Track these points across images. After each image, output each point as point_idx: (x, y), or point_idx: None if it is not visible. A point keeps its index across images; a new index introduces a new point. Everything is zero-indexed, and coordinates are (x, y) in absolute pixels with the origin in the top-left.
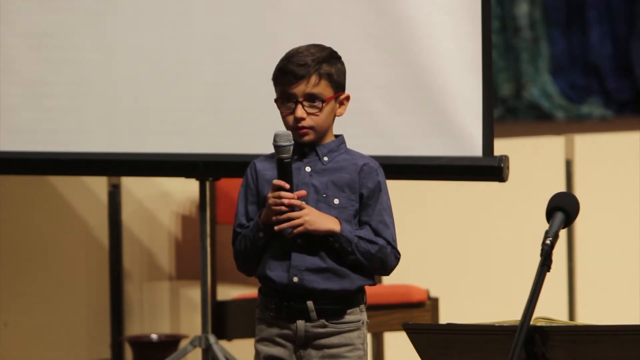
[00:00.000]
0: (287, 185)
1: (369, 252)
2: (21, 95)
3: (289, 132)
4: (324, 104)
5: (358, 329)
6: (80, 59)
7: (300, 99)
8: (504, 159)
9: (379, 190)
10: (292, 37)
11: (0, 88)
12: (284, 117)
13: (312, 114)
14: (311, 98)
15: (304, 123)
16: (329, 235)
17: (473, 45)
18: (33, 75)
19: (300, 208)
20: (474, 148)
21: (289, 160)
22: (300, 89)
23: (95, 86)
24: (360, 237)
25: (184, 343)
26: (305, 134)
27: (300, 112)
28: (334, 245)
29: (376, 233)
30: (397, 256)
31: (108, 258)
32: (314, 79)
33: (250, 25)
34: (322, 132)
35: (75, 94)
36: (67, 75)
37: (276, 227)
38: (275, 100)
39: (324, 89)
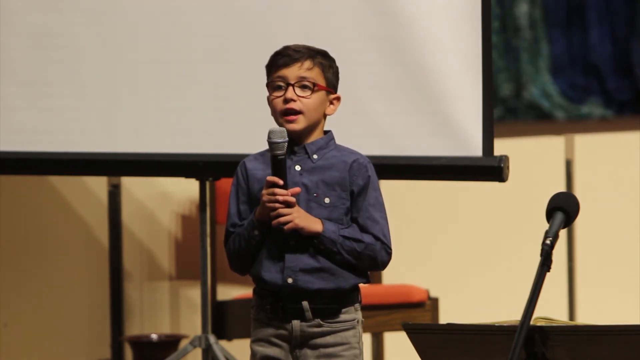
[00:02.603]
0: (281, 182)
1: (355, 251)
2: (21, 95)
3: (283, 128)
4: (315, 89)
5: (353, 327)
6: (80, 59)
7: (292, 82)
8: (504, 159)
9: (368, 186)
10: (292, 37)
11: (0, 88)
12: (272, 102)
13: (303, 97)
14: (303, 81)
15: (293, 105)
16: (314, 237)
17: (473, 45)
18: (33, 75)
19: (292, 205)
20: (474, 148)
21: (283, 157)
22: (293, 70)
23: (95, 86)
24: (345, 237)
25: (184, 343)
26: (293, 121)
27: (290, 93)
28: (319, 247)
29: (364, 230)
30: (388, 251)
31: (108, 258)
32: (307, 63)
33: (250, 25)
34: (310, 122)
35: (75, 94)
36: (67, 75)
37: (273, 222)
38: (267, 85)
39: (316, 75)
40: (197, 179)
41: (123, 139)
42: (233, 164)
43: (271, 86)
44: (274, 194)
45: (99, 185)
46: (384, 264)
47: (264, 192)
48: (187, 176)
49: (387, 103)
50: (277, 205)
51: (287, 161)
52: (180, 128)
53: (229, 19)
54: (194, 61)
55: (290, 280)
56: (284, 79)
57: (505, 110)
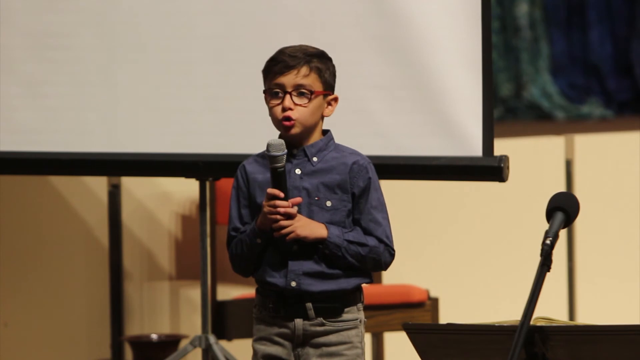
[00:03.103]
0: (282, 194)
1: (359, 255)
2: (21, 95)
3: (282, 141)
4: (312, 96)
5: (356, 327)
6: (80, 59)
7: (289, 90)
8: (504, 159)
9: (369, 188)
10: (292, 37)
11: (0, 88)
12: (271, 109)
13: (300, 105)
14: (300, 89)
15: (290, 114)
16: (318, 242)
17: (473, 45)
18: (33, 75)
19: (293, 216)
20: (474, 148)
21: (283, 169)
22: (290, 78)
23: (95, 86)
24: (349, 241)
25: (184, 343)
26: (292, 127)
27: (288, 102)
28: (324, 252)
29: (367, 232)
30: (391, 253)
31: (108, 258)
32: (304, 69)
33: (250, 25)
34: (308, 127)
35: (75, 94)
36: (67, 75)
37: (275, 234)
38: (264, 92)
39: (313, 81)
40: (197, 179)
41: (123, 139)
42: (233, 164)
43: (268, 93)
44: (275, 206)
45: (99, 185)
46: (387, 265)
47: (264, 203)
48: (187, 176)
49: (387, 103)
50: (278, 217)
51: (287, 165)
52: (180, 128)
53: (229, 19)
54: (194, 61)
55: (293, 284)
56: (280, 86)
57: (505, 110)
